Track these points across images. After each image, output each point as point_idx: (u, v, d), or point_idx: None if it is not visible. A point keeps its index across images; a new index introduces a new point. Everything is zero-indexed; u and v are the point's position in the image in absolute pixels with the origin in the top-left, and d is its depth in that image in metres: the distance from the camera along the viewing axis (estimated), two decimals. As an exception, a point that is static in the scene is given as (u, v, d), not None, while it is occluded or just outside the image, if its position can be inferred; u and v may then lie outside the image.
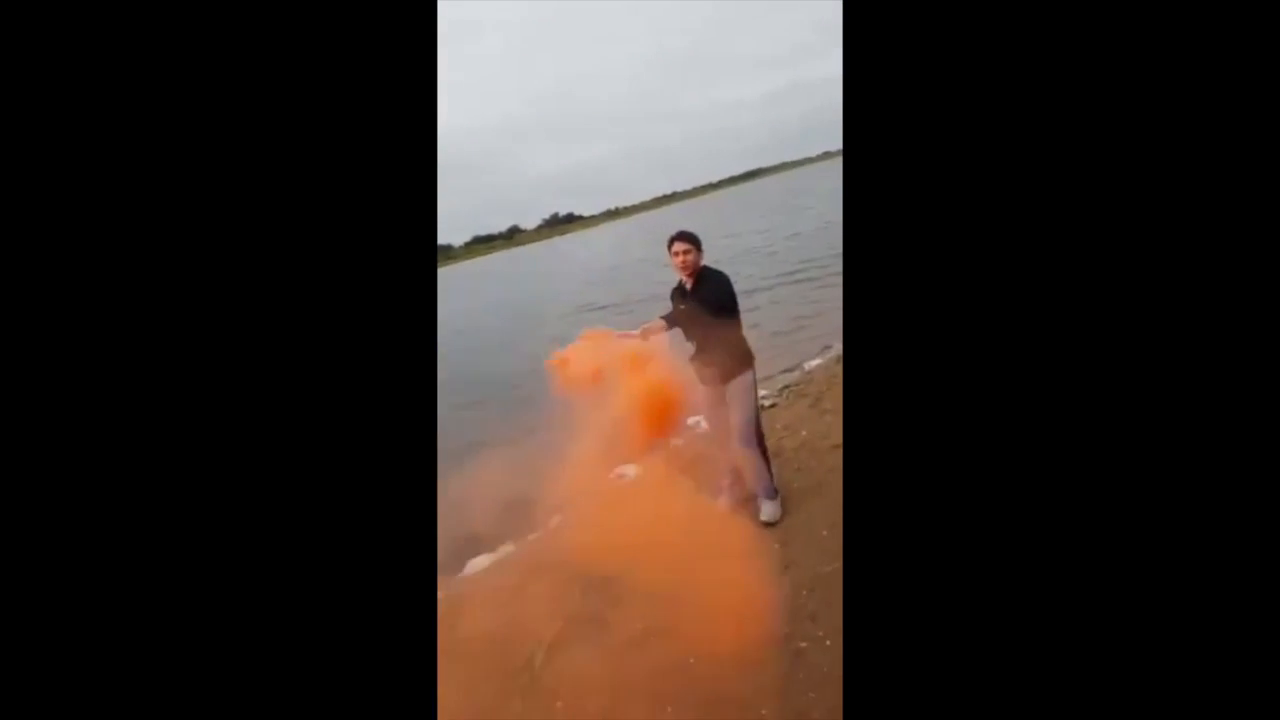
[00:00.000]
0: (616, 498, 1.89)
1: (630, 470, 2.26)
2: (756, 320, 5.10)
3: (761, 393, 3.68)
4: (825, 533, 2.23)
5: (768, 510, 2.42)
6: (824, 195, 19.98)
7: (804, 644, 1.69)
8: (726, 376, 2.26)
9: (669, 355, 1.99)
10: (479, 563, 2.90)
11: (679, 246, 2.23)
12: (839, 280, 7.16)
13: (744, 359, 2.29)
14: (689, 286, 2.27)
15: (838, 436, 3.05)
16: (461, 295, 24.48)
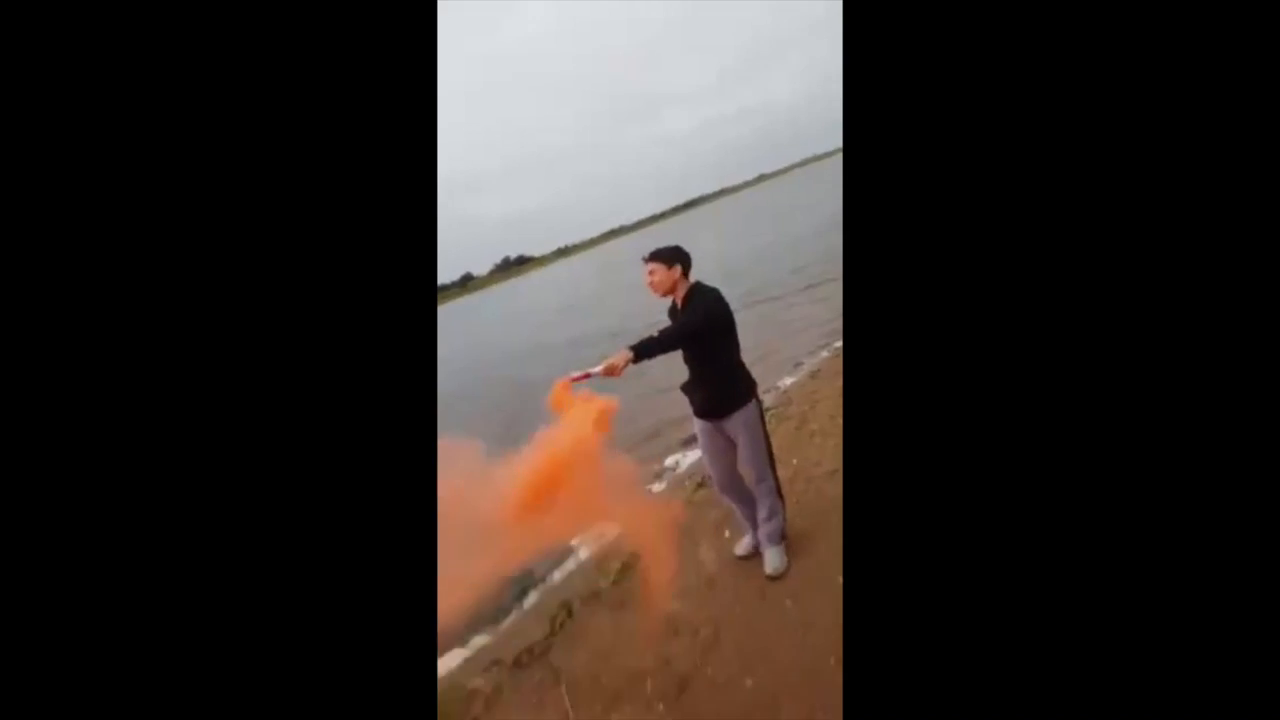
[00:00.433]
0: None
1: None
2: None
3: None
4: (841, 580, 1.98)
5: (773, 560, 2.16)
6: (771, 216, 20.48)
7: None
8: (723, 408, 1.98)
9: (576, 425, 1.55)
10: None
11: (648, 266, 1.94)
12: (801, 298, 7.15)
13: (743, 388, 1.98)
14: (679, 305, 1.98)
15: (832, 461, 2.84)
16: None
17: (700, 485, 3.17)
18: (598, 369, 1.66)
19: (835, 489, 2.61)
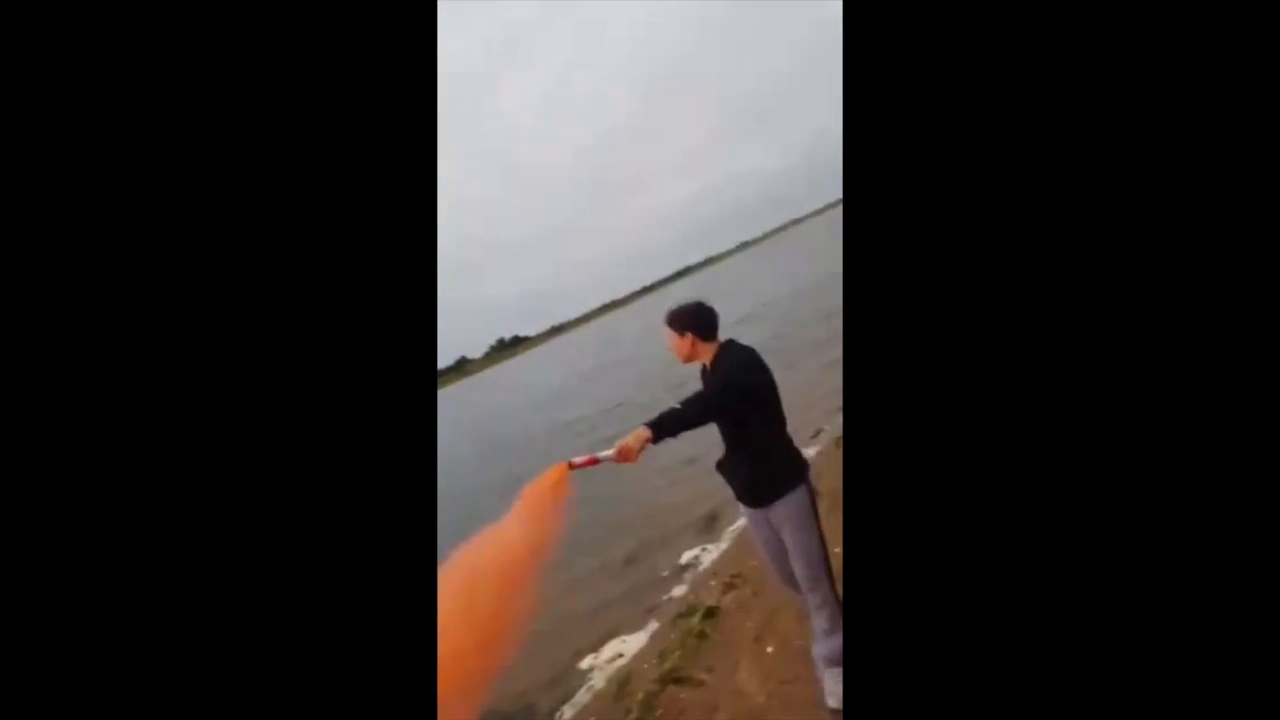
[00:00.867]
0: None
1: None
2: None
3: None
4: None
5: (834, 689, 1.71)
6: (760, 279, 20.78)
7: None
8: (765, 495, 1.58)
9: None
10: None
11: (666, 334, 1.61)
12: (804, 359, 6.92)
13: (789, 470, 1.57)
14: (709, 369, 1.62)
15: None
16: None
17: (730, 587, 2.74)
18: (609, 453, 1.33)
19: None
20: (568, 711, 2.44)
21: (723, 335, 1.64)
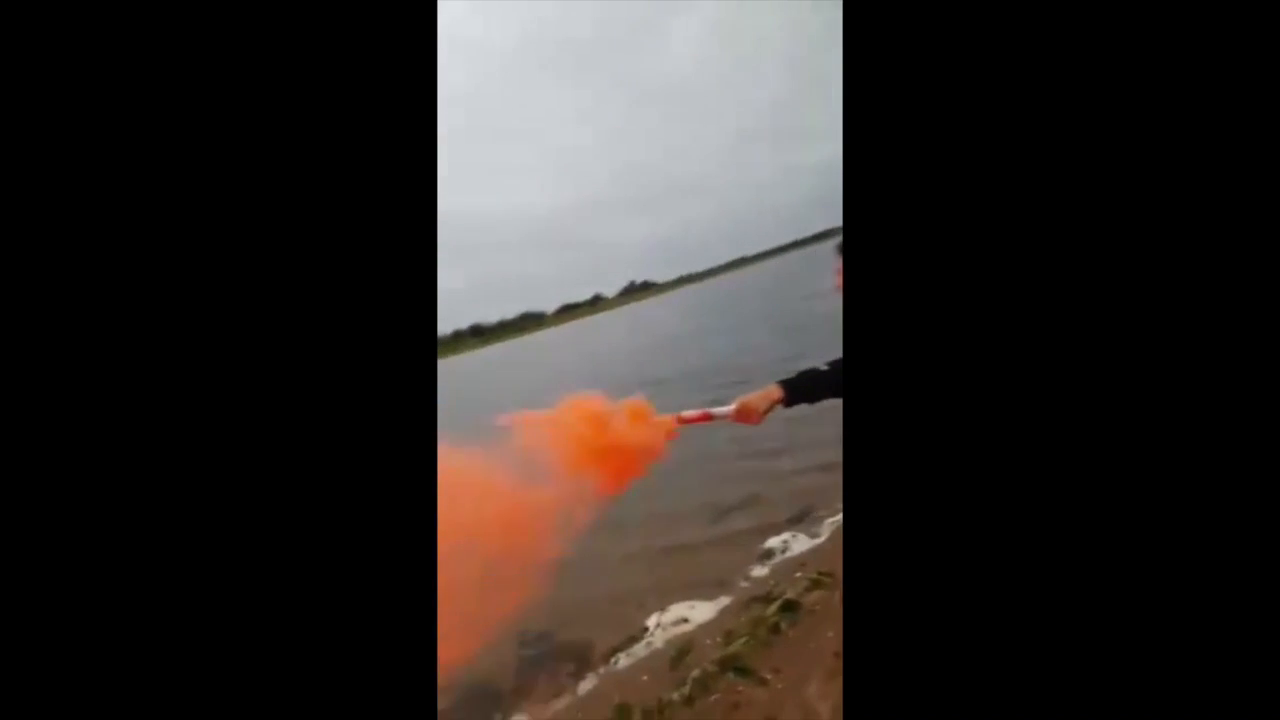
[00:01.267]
0: None
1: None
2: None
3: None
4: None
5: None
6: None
7: None
8: None
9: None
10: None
11: (835, 263, 1.39)
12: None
13: None
14: None
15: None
16: (548, 359, 24.74)
17: (816, 584, 2.46)
18: (727, 409, 1.14)
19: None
20: (623, 659, 2.40)
21: None
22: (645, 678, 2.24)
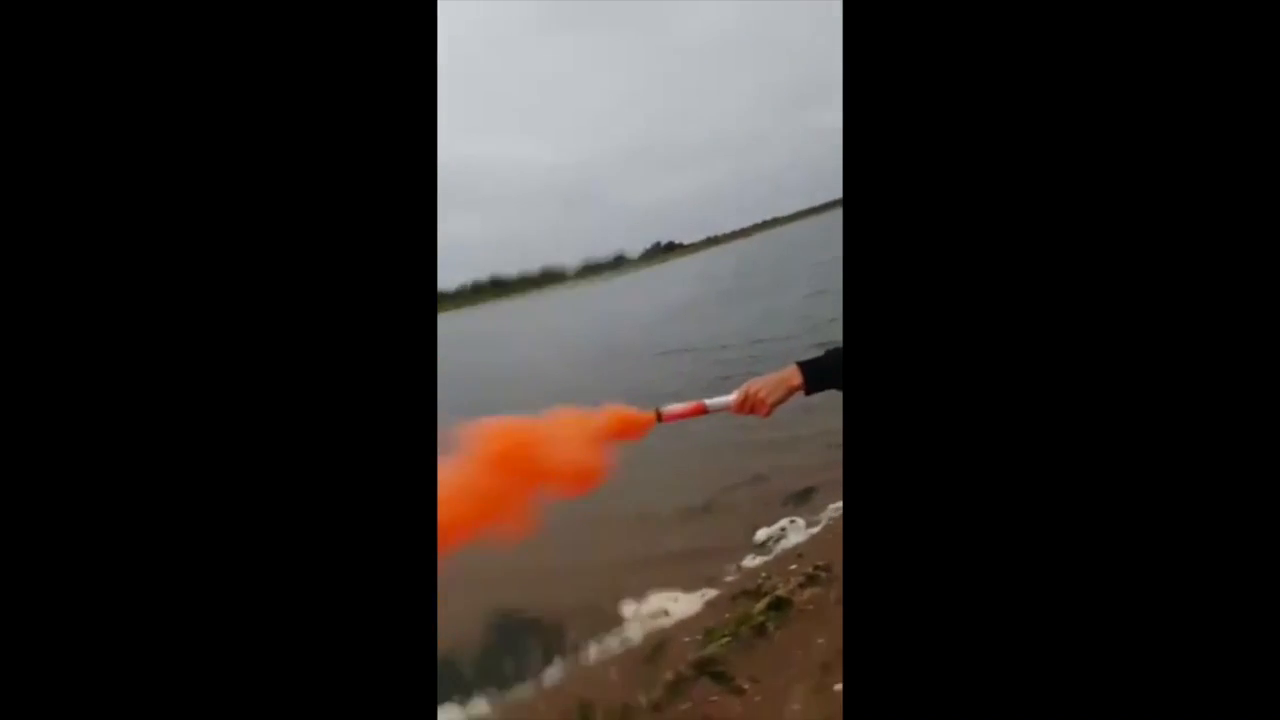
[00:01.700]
0: None
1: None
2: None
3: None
4: None
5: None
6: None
7: None
8: None
9: None
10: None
11: None
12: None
13: None
14: None
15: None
16: (573, 316, 24.65)
17: (811, 580, 2.22)
18: (726, 399, 0.93)
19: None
20: (594, 650, 2.22)
21: None
22: (614, 674, 2.06)
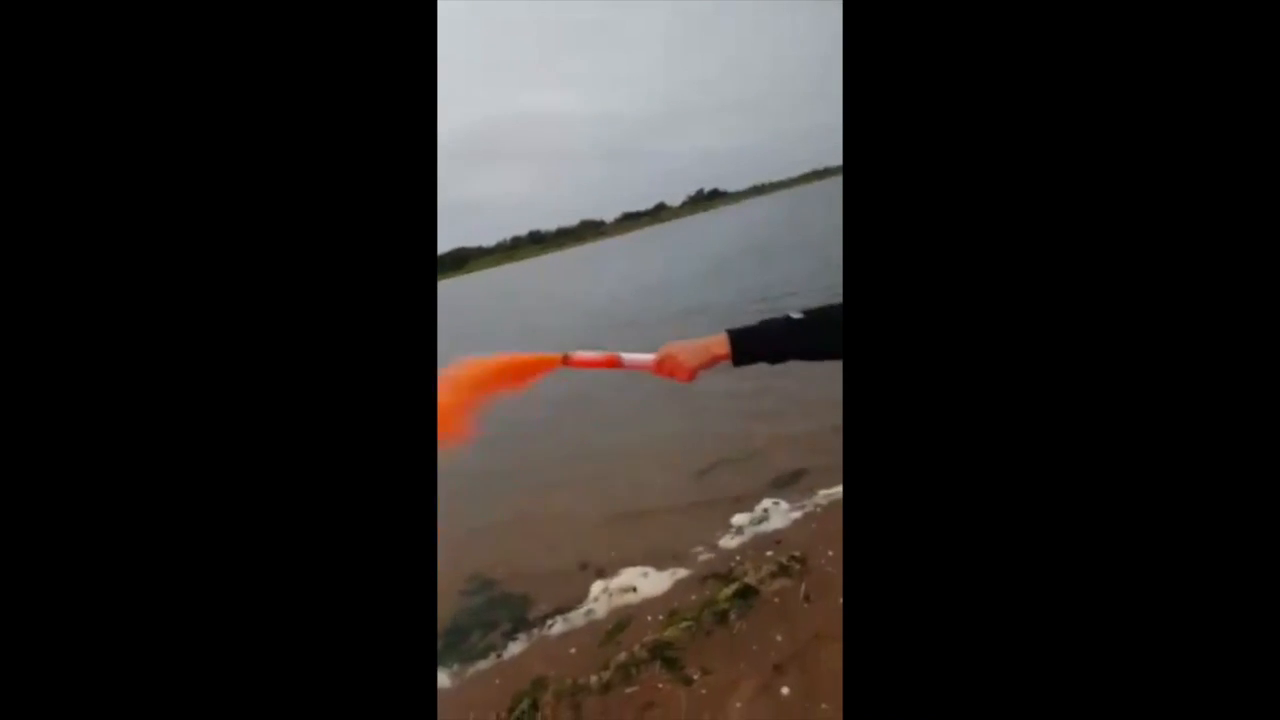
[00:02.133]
0: None
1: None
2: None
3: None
4: None
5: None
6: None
7: None
8: None
9: None
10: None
11: None
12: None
13: None
14: None
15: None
16: (609, 270, 24.46)
17: (783, 570, 2.13)
18: (643, 357, 0.86)
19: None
20: (558, 624, 2.23)
21: None
22: (573, 650, 2.06)
